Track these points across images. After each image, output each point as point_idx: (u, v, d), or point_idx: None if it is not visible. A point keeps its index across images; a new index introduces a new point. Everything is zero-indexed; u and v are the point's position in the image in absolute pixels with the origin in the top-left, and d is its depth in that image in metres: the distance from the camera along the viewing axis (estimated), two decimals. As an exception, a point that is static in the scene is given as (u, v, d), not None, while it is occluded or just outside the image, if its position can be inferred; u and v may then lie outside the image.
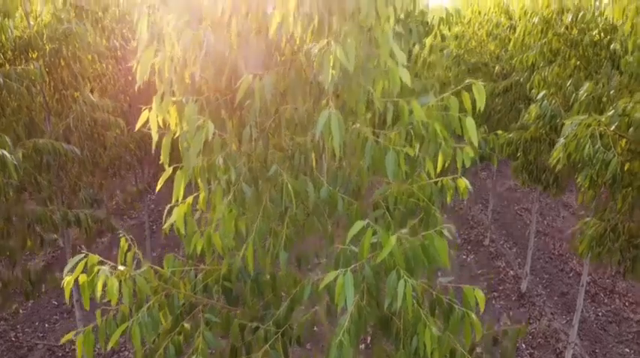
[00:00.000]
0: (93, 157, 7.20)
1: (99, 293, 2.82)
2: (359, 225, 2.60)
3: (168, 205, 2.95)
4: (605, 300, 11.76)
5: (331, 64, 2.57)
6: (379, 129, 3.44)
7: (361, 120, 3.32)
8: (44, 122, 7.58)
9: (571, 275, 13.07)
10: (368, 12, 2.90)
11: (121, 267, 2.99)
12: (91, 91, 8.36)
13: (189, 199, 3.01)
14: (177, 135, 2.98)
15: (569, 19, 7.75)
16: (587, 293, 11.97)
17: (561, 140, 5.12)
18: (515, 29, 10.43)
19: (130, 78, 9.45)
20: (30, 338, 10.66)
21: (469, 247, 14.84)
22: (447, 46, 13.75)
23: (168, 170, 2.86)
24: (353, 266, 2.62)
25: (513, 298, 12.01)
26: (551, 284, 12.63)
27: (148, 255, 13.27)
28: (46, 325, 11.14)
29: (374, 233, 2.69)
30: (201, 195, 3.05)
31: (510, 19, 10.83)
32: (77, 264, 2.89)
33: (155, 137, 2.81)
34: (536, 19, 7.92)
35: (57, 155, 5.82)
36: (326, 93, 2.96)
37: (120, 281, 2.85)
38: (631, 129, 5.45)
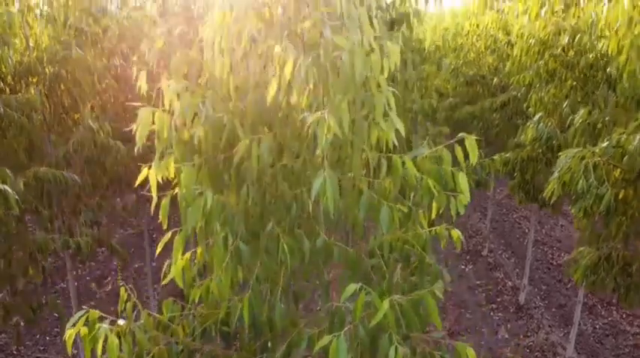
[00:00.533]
0: (93, 179, 7.26)
1: (99, 350, 2.88)
2: (351, 288, 2.67)
3: (167, 261, 3.01)
4: (603, 312, 11.83)
5: (325, 132, 2.63)
6: (374, 177, 3.51)
7: (356, 169, 3.38)
8: (45, 142, 7.65)
9: (569, 286, 13.14)
10: (362, 72, 2.97)
11: (120, 321, 3.05)
12: (92, 108, 8.42)
13: (188, 255, 3.08)
14: (176, 191, 3.04)
15: (566, 41, 7.81)
16: (585, 305, 12.04)
17: (555, 174, 5.19)
18: (512, 46, 10.49)
19: (129, 96, 9.51)
20: (31, 351, 10.74)
21: (468, 257, 14.92)
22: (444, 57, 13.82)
23: (168, 235, 2.92)
24: (347, 328, 2.69)
25: (511, 310, 12.09)
26: (549, 296, 12.70)
27: (148, 265, 13.34)
28: (47, 338, 11.22)
29: (367, 293, 2.76)
30: (199, 250, 3.12)
31: (508, 34, 10.89)
32: (79, 319, 2.96)
33: (155, 197, 2.87)
34: (532, 41, 7.98)
35: (57, 183, 5.89)
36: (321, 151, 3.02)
37: (120, 337, 2.92)
38: (625, 158, 5.52)
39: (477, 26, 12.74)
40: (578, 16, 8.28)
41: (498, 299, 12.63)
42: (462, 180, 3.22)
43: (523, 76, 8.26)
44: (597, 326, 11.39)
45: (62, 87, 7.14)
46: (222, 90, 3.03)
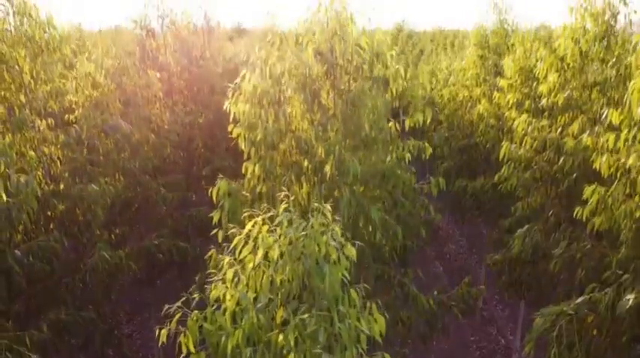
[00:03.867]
0: (106, 299, 7.77)
1: None
2: None
3: None
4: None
5: None
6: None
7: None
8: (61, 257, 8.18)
9: (560, 342, 13.66)
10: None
11: None
12: (102, 208, 8.87)
13: None
14: None
15: (552, 156, 8.29)
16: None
17: (533, 334, 5.69)
18: (503, 131, 10.98)
19: (138, 188, 10.00)
20: None
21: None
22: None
23: None
24: None
25: (504, 372, 12.63)
26: (542, 356, 13.23)
27: (154, 317, 13.88)
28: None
29: None
30: None
31: (499, 120, 11.37)
32: None
33: None
34: (520, 152, 8.46)
35: (79, 325, 6.40)
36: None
37: None
38: (600, 306, 6.03)
39: (470, 97, 13.20)
40: (563, 123, 8.74)
41: (491, 359, 13.16)
42: None
43: (510, 183, 8.74)
44: (585, 391, 11.92)
45: (77, 210, 7.63)
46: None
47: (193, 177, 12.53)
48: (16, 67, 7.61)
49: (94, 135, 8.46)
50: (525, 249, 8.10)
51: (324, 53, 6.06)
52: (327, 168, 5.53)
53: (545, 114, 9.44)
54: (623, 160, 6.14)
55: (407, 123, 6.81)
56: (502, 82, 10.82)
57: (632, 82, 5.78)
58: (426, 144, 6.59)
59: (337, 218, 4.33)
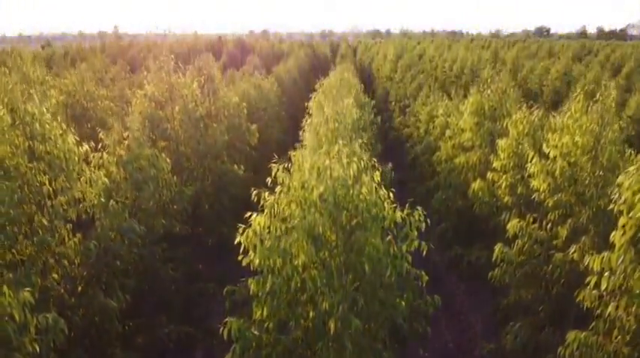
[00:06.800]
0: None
1: None
2: None
3: None
4: None
5: None
6: None
7: None
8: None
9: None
10: None
11: None
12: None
13: None
14: None
15: (544, 255, 8.80)
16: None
17: None
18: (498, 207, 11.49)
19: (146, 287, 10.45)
20: None
21: (460, 356, 15.94)
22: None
23: None
24: None
25: None
26: None
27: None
28: None
29: None
30: None
31: (494, 197, 11.87)
32: None
33: None
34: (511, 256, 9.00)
35: None
36: None
37: None
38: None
39: (467, 162, 13.67)
40: (553, 220, 9.23)
41: (488, 411, 13.66)
42: None
43: (503, 277, 9.25)
44: None
45: (95, 318, 8.15)
46: None
47: (199, 245, 12.96)
48: (36, 183, 8.08)
49: (108, 238, 8.89)
50: (516, 345, 8.61)
51: (328, 198, 6.55)
52: (332, 325, 6.04)
53: (536, 200, 9.88)
54: (605, 297, 6.61)
55: (404, 249, 7.31)
56: (495, 163, 11.27)
57: (612, 234, 6.26)
58: (423, 274, 7.09)
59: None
